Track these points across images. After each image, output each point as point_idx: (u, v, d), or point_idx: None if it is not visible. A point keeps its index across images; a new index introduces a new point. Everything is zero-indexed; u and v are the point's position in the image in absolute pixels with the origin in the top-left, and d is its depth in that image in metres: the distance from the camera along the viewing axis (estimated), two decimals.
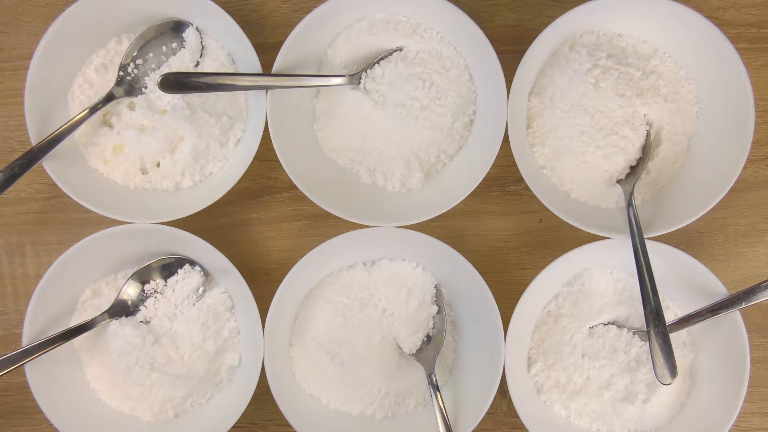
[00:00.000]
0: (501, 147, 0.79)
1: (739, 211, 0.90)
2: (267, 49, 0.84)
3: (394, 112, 0.83)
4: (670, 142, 0.84)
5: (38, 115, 0.81)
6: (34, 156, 0.79)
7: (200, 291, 0.85)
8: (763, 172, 0.90)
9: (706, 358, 0.84)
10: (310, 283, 0.86)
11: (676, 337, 0.84)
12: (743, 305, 0.79)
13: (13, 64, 0.88)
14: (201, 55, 0.86)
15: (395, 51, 0.85)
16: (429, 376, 0.82)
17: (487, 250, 0.90)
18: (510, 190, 0.90)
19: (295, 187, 0.80)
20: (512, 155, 0.79)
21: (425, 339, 0.85)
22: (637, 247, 0.78)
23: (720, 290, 0.81)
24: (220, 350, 0.85)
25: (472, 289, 0.82)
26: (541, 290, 0.84)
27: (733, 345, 0.81)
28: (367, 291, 0.85)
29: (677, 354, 0.80)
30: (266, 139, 0.80)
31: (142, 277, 0.85)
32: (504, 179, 0.89)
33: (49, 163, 0.80)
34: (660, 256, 0.80)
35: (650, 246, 0.79)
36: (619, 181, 0.84)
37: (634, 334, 0.84)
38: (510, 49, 0.82)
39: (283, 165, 0.80)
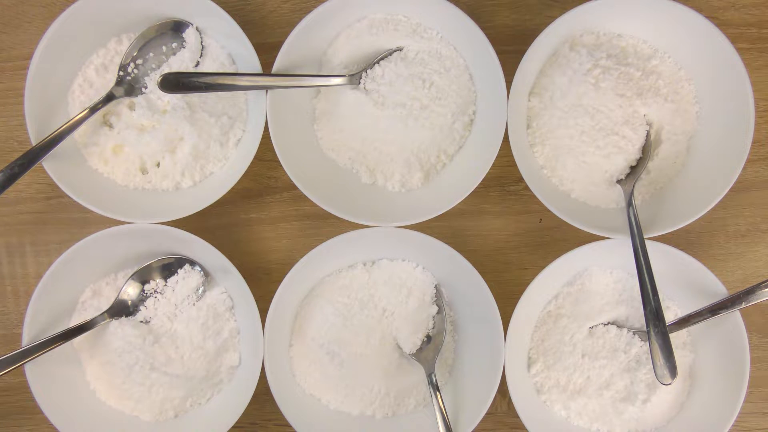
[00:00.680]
0: (501, 147, 0.79)
1: (739, 211, 0.90)
2: (267, 49, 0.84)
3: (394, 112, 0.83)
4: (670, 142, 0.84)
5: (38, 115, 0.81)
6: (34, 156, 0.79)
7: (200, 291, 0.85)
8: (763, 172, 0.90)
9: (706, 358, 0.84)
10: (310, 283, 0.86)
11: (676, 337, 0.84)
12: (743, 305, 0.79)
13: (13, 64, 0.88)
14: (201, 55, 0.86)
15: (395, 51, 0.85)
16: (429, 376, 0.82)
17: (487, 250, 0.90)
18: (510, 190, 0.90)
19: (295, 187, 0.80)
20: (512, 155, 0.79)
21: (425, 339, 0.85)
22: (637, 247, 0.78)
23: (720, 290, 0.81)
24: (220, 350, 0.85)
25: (472, 289, 0.82)
26: (541, 290, 0.84)
27: (733, 345, 0.81)
28: (367, 291, 0.85)
29: (677, 354, 0.80)
30: (266, 139, 0.80)
31: (142, 277, 0.85)
32: (504, 179, 0.89)
33: (49, 163, 0.80)
34: (660, 256, 0.80)
35: (650, 246, 0.79)
36: (619, 181, 0.84)
37: (634, 334, 0.84)
38: (510, 49, 0.82)
39: (283, 165, 0.80)
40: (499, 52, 0.79)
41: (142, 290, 0.85)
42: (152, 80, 0.84)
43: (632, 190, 0.81)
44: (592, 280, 0.85)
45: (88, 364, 0.84)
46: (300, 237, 0.90)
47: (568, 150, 0.83)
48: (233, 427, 0.80)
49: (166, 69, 0.85)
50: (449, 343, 0.86)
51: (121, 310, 0.84)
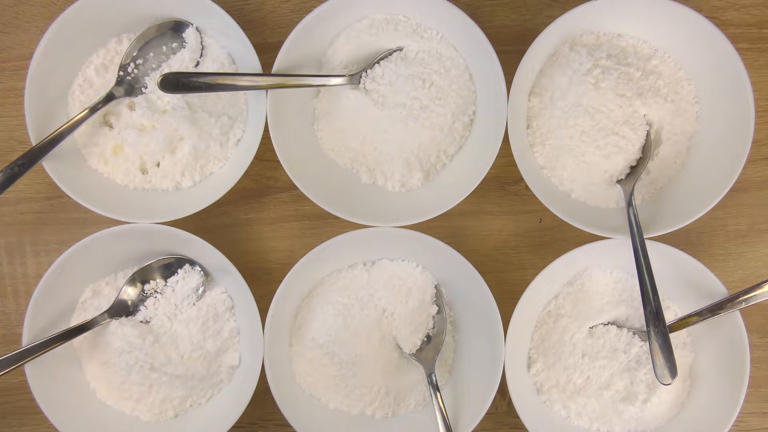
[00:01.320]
0: (501, 147, 0.79)
1: (739, 211, 0.90)
2: (267, 49, 0.84)
3: (394, 112, 0.83)
4: (670, 142, 0.84)
5: (38, 115, 0.81)
6: (34, 156, 0.79)
7: (200, 291, 0.85)
8: (763, 172, 0.90)
9: (706, 358, 0.84)
10: (310, 283, 0.86)
11: (676, 337, 0.84)
12: (743, 305, 0.79)
13: (13, 64, 0.88)
14: (201, 55, 0.86)
15: (395, 51, 0.85)
16: (429, 376, 0.82)
17: (487, 250, 0.90)
18: (510, 190, 0.90)
19: (295, 187, 0.80)
20: (512, 155, 0.79)
21: (425, 339, 0.85)
22: (637, 247, 0.78)
23: (720, 290, 0.81)
24: (220, 350, 0.85)
25: (472, 289, 0.82)
26: (541, 290, 0.84)
27: (733, 345, 0.81)
28: (367, 291, 0.85)
29: (677, 354, 0.80)
30: (266, 139, 0.80)
31: (142, 277, 0.85)
32: (504, 179, 0.89)
33: (49, 163, 0.80)
34: (660, 256, 0.80)
35: (650, 246, 0.79)
36: (619, 181, 0.84)
37: (634, 334, 0.84)
38: (510, 49, 0.82)
39: (283, 165, 0.80)
40: (499, 52, 0.79)
41: (142, 290, 0.85)
42: (152, 80, 0.84)
43: (632, 190, 0.81)
44: (592, 280, 0.85)
45: (88, 364, 0.84)
46: (300, 237, 0.90)
47: (568, 150, 0.83)
48: (233, 427, 0.80)
49: (166, 69, 0.85)
50: (449, 343, 0.86)
51: (121, 310, 0.84)
